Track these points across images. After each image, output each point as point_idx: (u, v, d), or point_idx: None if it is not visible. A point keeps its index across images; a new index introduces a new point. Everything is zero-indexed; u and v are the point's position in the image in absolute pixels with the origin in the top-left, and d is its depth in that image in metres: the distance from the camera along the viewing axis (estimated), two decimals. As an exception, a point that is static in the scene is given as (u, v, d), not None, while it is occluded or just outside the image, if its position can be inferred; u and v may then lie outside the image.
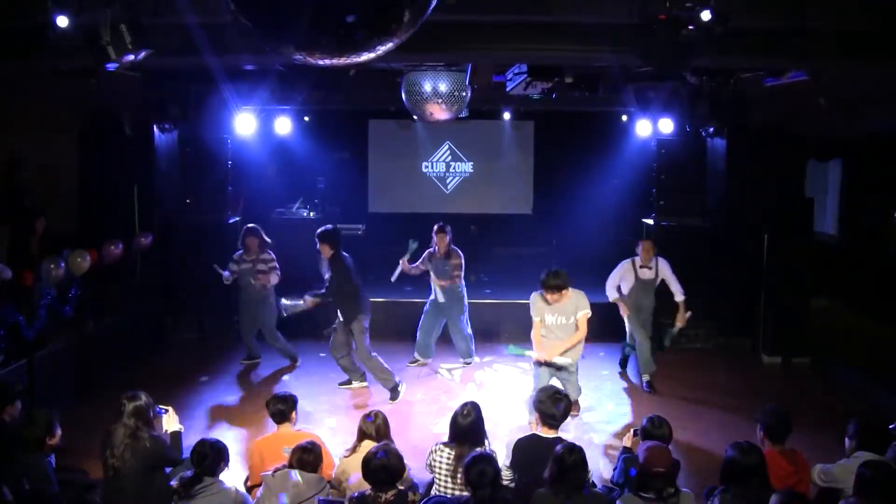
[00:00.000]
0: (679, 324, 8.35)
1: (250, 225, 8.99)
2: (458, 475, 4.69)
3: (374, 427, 5.13)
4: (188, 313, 10.13)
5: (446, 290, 8.89)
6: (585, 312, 7.02)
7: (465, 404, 5.00)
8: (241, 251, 8.92)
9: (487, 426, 5.05)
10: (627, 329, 8.58)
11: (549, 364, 7.08)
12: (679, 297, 8.30)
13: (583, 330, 7.04)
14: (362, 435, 5.14)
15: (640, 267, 8.38)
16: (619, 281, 8.45)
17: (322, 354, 9.14)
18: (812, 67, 7.06)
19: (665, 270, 8.38)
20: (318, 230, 8.01)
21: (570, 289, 6.95)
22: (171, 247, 10.01)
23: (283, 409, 5.30)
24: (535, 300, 7.05)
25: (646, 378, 8.45)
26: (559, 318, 7.01)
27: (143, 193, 9.58)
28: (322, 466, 4.67)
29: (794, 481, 4.59)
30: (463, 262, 8.93)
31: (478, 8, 5.34)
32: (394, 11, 2.63)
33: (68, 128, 9.71)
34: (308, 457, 4.54)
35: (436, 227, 8.87)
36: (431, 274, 8.94)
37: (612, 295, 8.47)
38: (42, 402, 6.51)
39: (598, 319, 10.23)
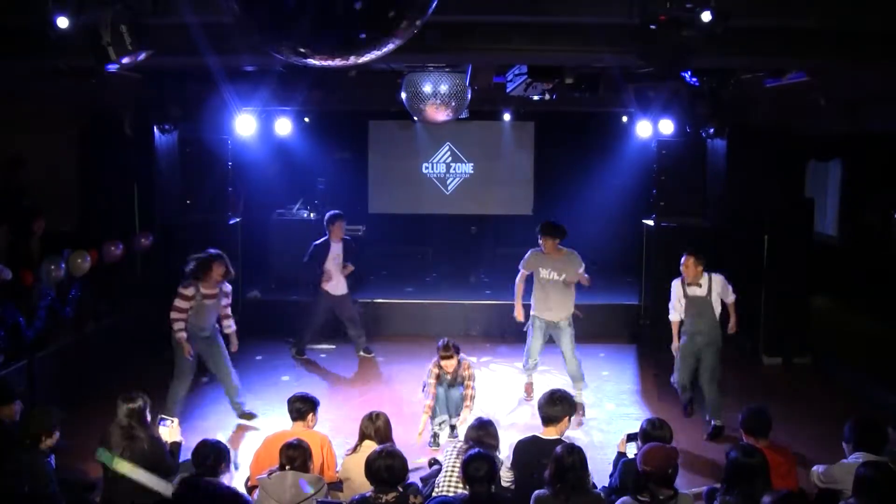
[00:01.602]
0: (733, 327, 7.38)
1: (215, 251, 7.23)
2: (457, 469, 4.72)
3: (375, 428, 5.14)
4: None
5: (454, 404, 7.01)
6: (582, 270, 7.56)
7: (481, 419, 5.14)
8: (191, 284, 7.02)
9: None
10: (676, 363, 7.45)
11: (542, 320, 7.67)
12: (729, 298, 7.27)
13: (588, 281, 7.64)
14: (363, 435, 5.15)
15: (688, 285, 7.20)
16: (677, 303, 7.30)
17: (323, 356, 9.14)
18: (812, 68, 7.05)
19: (720, 284, 7.17)
20: (333, 213, 9.35)
21: (567, 249, 7.61)
22: (172, 247, 9.98)
23: (301, 408, 5.35)
24: (529, 255, 7.76)
25: (684, 401, 7.57)
26: (552, 273, 7.54)
27: (144, 194, 9.58)
28: (312, 464, 4.65)
29: (784, 471, 4.62)
30: (474, 373, 7.06)
31: (478, 9, 5.34)
32: (395, 12, 2.63)
33: (68, 128, 9.71)
34: (294, 453, 4.53)
35: (440, 347, 6.84)
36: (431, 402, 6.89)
37: (673, 317, 7.36)
38: (42, 402, 6.51)
39: (597, 321, 10.37)
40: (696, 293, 7.18)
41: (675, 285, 7.33)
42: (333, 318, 9.43)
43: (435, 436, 6.96)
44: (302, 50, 2.73)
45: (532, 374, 8.14)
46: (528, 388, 8.15)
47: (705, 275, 7.15)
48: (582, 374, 7.76)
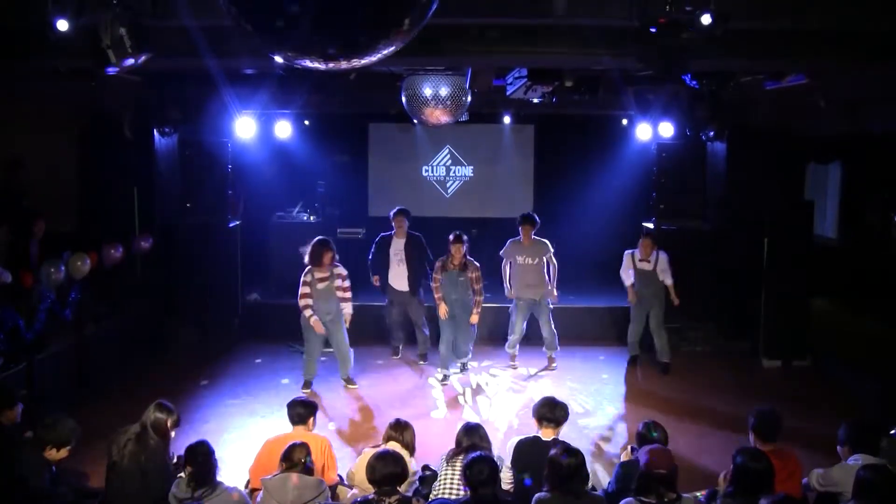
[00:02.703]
0: (675, 300, 8.90)
1: (322, 237, 8.29)
2: (457, 466, 4.71)
3: (401, 437, 5.18)
4: (188, 317, 10.14)
5: (459, 301, 8.59)
6: (552, 252, 8.90)
7: (469, 424, 5.10)
8: (308, 272, 8.09)
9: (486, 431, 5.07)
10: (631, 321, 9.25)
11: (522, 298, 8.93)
12: (668, 281, 8.91)
13: (554, 265, 8.98)
14: (390, 438, 5.17)
15: (640, 260, 8.94)
16: (630, 269, 9.06)
17: (323, 359, 9.11)
18: (812, 69, 7.06)
19: (663, 262, 8.90)
20: (397, 208, 9.27)
21: (537, 238, 8.88)
22: (171, 250, 10.01)
23: (303, 412, 5.34)
24: (508, 245, 8.99)
25: (632, 354, 9.32)
26: (527, 258, 8.81)
27: (143, 196, 9.57)
28: (309, 461, 4.62)
29: (783, 476, 4.58)
30: (481, 275, 8.65)
31: (478, 11, 5.34)
32: (395, 15, 2.63)
33: (68, 130, 9.71)
34: (296, 455, 4.52)
35: (451, 237, 8.50)
36: (439, 292, 8.60)
37: (625, 280, 9.12)
38: (42, 405, 6.50)
39: (597, 323, 10.37)
40: (645, 268, 8.92)
41: (627, 255, 9.07)
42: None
43: (445, 377, 8.73)
44: (301, 54, 2.73)
45: (515, 351, 9.25)
46: (513, 358, 9.33)
47: (654, 252, 8.90)
48: (556, 344, 9.14)
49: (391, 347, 9.64)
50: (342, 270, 8.17)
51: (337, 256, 8.15)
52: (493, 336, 10.01)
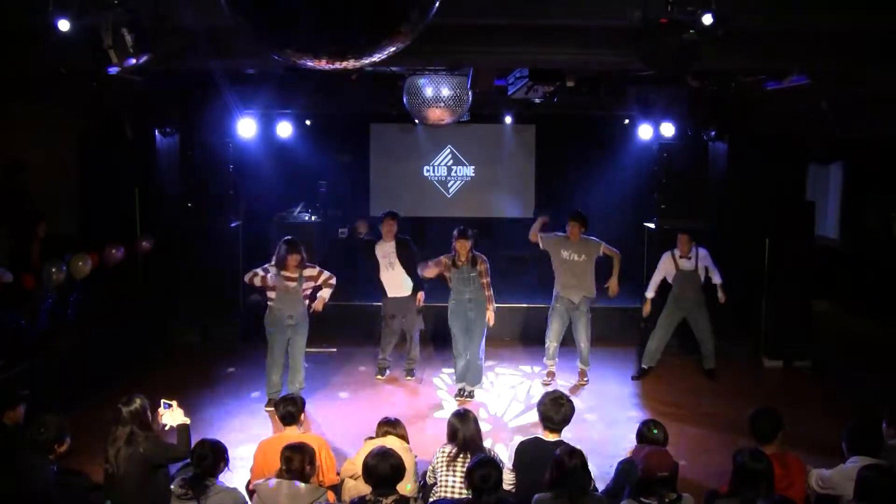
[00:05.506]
0: (722, 297, 8.63)
1: (290, 238, 7.74)
2: (457, 470, 4.69)
3: (396, 429, 5.18)
4: (190, 317, 10.14)
5: (474, 301, 8.02)
6: (604, 245, 8.41)
7: (459, 410, 5.06)
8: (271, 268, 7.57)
9: (489, 431, 5.05)
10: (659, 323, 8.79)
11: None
12: (717, 279, 8.63)
13: (615, 252, 8.45)
14: (387, 434, 5.15)
15: (680, 258, 8.61)
16: (662, 275, 8.71)
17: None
18: (814, 70, 7.05)
19: (706, 259, 8.62)
20: (385, 211, 8.86)
21: (585, 236, 8.41)
22: (173, 250, 10.01)
23: (293, 411, 5.31)
24: (555, 235, 8.56)
25: (644, 366, 8.92)
26: (573, 255, 8.35)
27: (145, 197, 9.58)
28: (311, 469, 4.55)
29: (784, 484, 4.56)
30: (489, 267, 8.04)
31: (479, 12, 5.34)
32: (396, 15, 2.63)
33: (70, 131, 9.72)
34: (293, 456, 4.44)
35: (456, 233, 7.94)
36: (453, 285, 8.10)
37: (650, 294, 8.77)
38: (43, 405, 6.49)
39: (599, 324, 10.34)
40: (687, 267, 8.56)
41: (667, 258, 8.66)
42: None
43: (462, 391, 8.20)
44: (303, 54, 2.73)
45: (553, 363, 8.75)
46: (550, 376, 8.79)
47: (693, 248, 8.57)
48: (589, 358, 8.70)
49: (376, 366, 8.90)
50: (313, 271, 7.68)
51: (305, 257, 7.63)
52: (492, 338, 9.98)
